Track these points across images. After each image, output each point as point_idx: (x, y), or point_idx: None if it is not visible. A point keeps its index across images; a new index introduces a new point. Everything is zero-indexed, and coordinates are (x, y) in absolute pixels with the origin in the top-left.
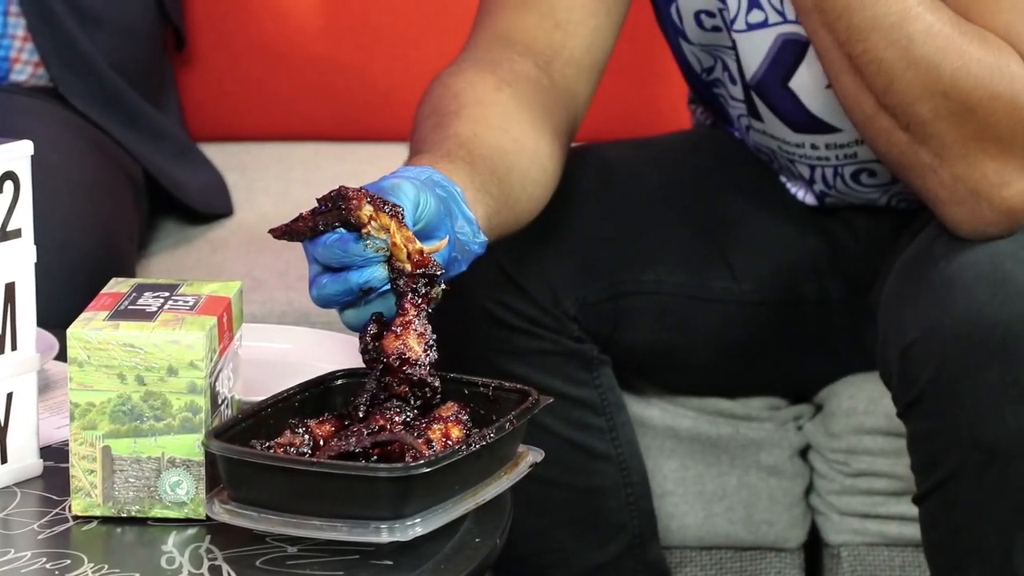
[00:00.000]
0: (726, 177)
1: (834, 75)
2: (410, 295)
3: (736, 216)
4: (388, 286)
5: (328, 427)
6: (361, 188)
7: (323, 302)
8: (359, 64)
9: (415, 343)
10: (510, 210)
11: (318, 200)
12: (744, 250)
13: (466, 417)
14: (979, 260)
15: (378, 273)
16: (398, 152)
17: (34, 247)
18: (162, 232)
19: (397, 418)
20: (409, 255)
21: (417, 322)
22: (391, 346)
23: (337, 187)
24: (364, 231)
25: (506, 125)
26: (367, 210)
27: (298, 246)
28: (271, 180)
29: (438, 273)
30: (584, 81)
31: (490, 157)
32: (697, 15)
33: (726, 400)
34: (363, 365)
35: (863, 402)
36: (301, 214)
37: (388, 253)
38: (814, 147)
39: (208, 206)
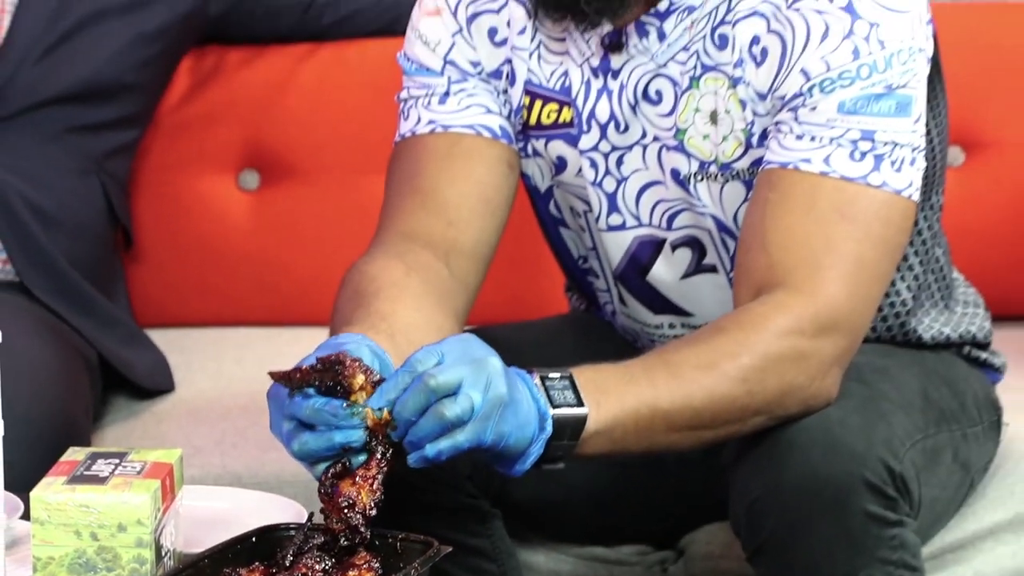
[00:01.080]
0: (597, 354)
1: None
2: (378, 456)
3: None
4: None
5: (257, 575)
6: (357, 359)
7: (303, 456)
8: (283, 259)
9: (366, 496)
10: None
11: (318, 359)
12: None
13: (377, 565)
14: (812, 425)
15: (359, 436)
16: (318, 335)
17: (1, 421)
18: (113, 406)
19: (317, 567)
20: (385, 423)
21: (376, 480)
22: (347, 490)
23: (337, 353)
24: (353, 397)
25: (417, 305)
26: (360, 379)
27: (233, 419)
28: (207, 360)
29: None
30: (474, 271)
31: (406, 331)
32: (571, 209)
33: (601, 547)
34: (286, 523)
35: (719, 547)
36: (300, 367)
37: (368, 425)
38: (671, 326)
39: (153, 383)
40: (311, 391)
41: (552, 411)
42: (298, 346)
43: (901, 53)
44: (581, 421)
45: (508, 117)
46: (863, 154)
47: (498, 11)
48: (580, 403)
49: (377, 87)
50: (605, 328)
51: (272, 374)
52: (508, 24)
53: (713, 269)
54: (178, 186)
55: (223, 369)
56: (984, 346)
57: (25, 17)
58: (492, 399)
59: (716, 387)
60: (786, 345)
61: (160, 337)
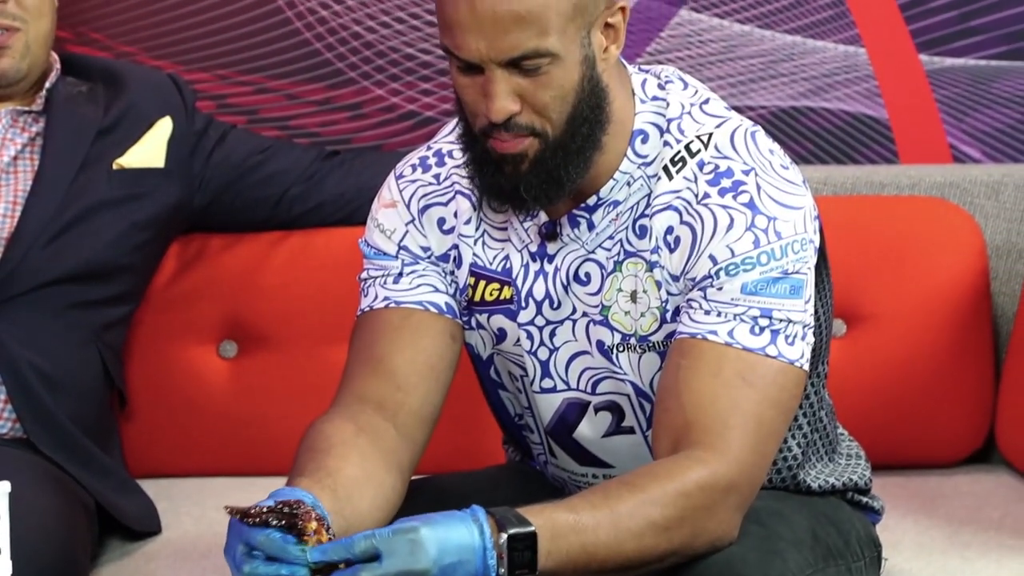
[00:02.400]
0: (529, 499)
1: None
2: None
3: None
4: None
5: None
6: (312, 508)
7: None
8: (258, 419)
9: None
10: (353, 528)
11: (278, 501)
12: None
13: None
14: (718, 561)
15: (303, 573)
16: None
17: (10, 562)
18: (108, 547)
19: None
20: (328, 566)
21: None
22: None
23: (296, 500)
24: (304, 539)
25: (363, 462)
26: (313, 525)
27: (214, 557)
28: (191, 506)
29: None
30: (420, 429)
31: (349, 487)
32: (509, 373)
33: None
34: None
35: None
36: (259, 507)
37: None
38: (595, 476)
39: (143, 526)
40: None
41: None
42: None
43: (794, 243)
44: None
45: (454, 296)
46: (762, 329)
47: (446, 203)
48: (534, 564)
49: (340, 269)
50: (537, 477)
51: (229, 509)
52: (455, 215)
53: (631, 431)
54: (166, 354)
55: (205, 514)
56: (865, 491)
57: (34, 209)
58: None
59: (644, 537)
60: (701, 497)
61: (150, 486)
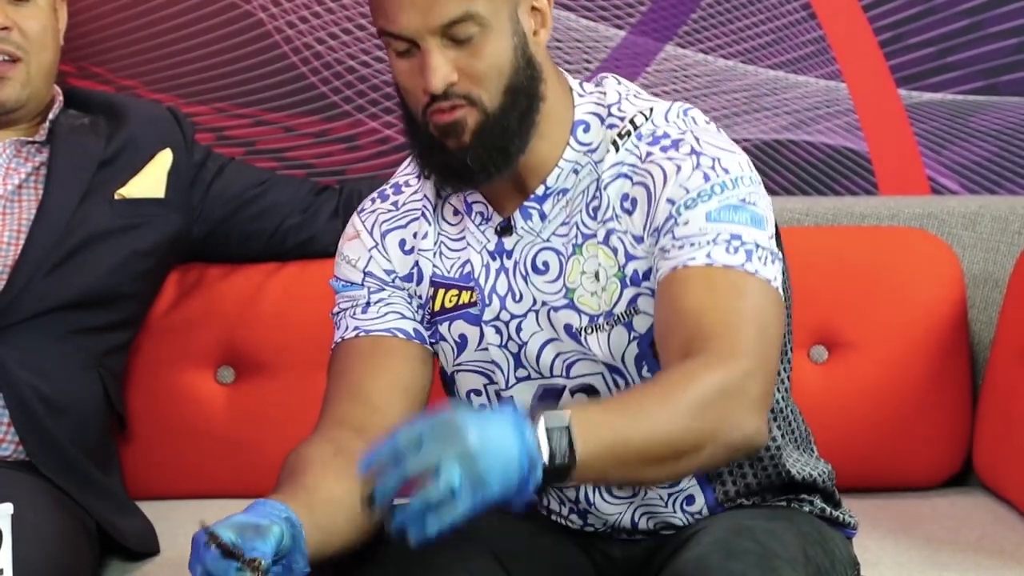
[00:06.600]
0: (511, 514)
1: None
2: None
3: (519, 546)
4: None
5: None
6: (256, 559)
7: None
8: (254, 442)
9: None
10: (331, 541)
11: (225, 546)
12: (525, 567)
13: None
14: None
15: None
16: None
17: None
18: (108, 568)
19: None
20: None
21: None
22: None
23: (245, 554)
24: (249, 563)
25: (339, 480)
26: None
27: None
28: (189, 528)
29: None
30: None
31: (325, 503)
32: (472, 391)
33: None
34: None
35: None
36: (223, 542)
37: None
38: None
39: (142, 547)
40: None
41: (543, 460)
42: None
43: (743, 179)
44: (567, 470)
45: (421, 321)
46: (736, 249)
47: (406, 225)
48: (572, 452)
49: (332, 298)
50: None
51: (202, 523)
52: (414, 236)
53: None
54: (165, 379)
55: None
56: (837, 503)
57: (38, 237)
58: (471, 475)
59: (677, 418)
60: (720, 383)
61: (149, 507)
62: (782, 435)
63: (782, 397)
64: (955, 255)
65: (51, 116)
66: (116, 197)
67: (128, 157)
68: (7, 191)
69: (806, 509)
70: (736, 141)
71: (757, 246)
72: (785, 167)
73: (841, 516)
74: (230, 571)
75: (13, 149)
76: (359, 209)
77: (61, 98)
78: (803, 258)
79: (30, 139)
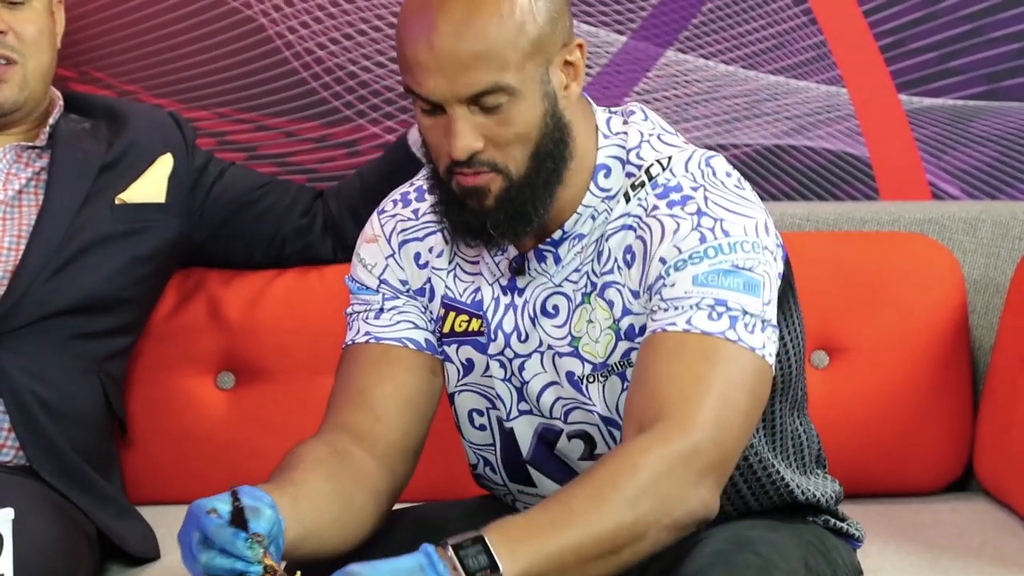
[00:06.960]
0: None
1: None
2: None
3: None
4: None
5: None
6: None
7: (209, 571)
8: (254, 447)
9: None
10: (311, 539)
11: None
12: None
13: None
14: None
15: (256, 570)
16: None
17: None
18: (109, 573)
19: None
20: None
21: None
22: None
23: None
24: (257, 538)
25: (330, 478)
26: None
27: None
28: None
29: None
30: (401, 460)
31: (311, 497)
32: (473, 411)
33: None
34: None
35: None
36: (241, 505)
37: (263, 564)
38: None
39: (142, 552)
40: (223, 515)
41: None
42: None
43: (745, 243)
44: None
45: (433, 331)
46: (719, 315)
47: (423, 239)
48: (494, 564)
49: (334, 304)
50: (508, 507)
51: (232, 485)
52: (430, 250)
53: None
54: (165, 384)
55: None
56: (843, 517)
57: (38, 242)
58: None
59: (609, 515)
60: (659, 464)
61: (149, 512)
62: (786, 462)
63: (792, 420)
64: (956, 260)
65: (51, 121)
66: (117, 202)
67: (129, 162)
68: (7, 196)
69: (810, 519)
70: (736, 147)
71: (744, 312)
72: (786, 172)
73: (847, 528)
74: (237, 541)
75: (13, 154)
76: (379, 209)
77: (61, 103)
78: (804, 263)
79: (30, 144)
